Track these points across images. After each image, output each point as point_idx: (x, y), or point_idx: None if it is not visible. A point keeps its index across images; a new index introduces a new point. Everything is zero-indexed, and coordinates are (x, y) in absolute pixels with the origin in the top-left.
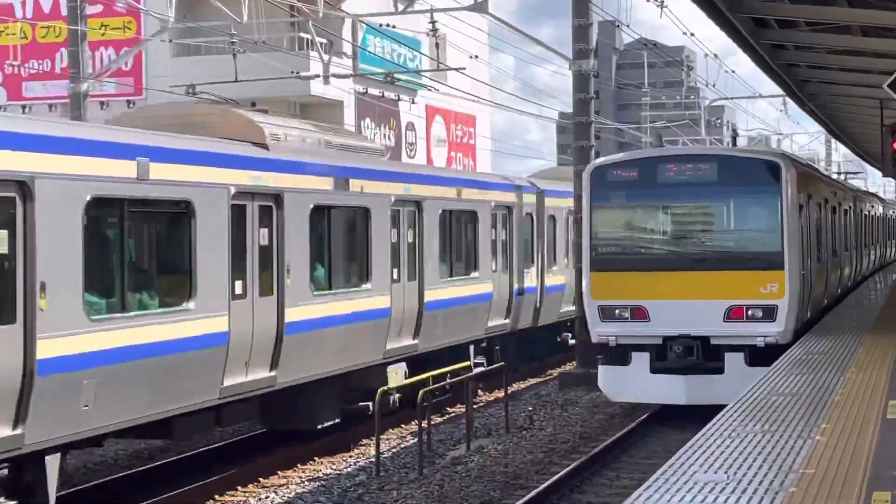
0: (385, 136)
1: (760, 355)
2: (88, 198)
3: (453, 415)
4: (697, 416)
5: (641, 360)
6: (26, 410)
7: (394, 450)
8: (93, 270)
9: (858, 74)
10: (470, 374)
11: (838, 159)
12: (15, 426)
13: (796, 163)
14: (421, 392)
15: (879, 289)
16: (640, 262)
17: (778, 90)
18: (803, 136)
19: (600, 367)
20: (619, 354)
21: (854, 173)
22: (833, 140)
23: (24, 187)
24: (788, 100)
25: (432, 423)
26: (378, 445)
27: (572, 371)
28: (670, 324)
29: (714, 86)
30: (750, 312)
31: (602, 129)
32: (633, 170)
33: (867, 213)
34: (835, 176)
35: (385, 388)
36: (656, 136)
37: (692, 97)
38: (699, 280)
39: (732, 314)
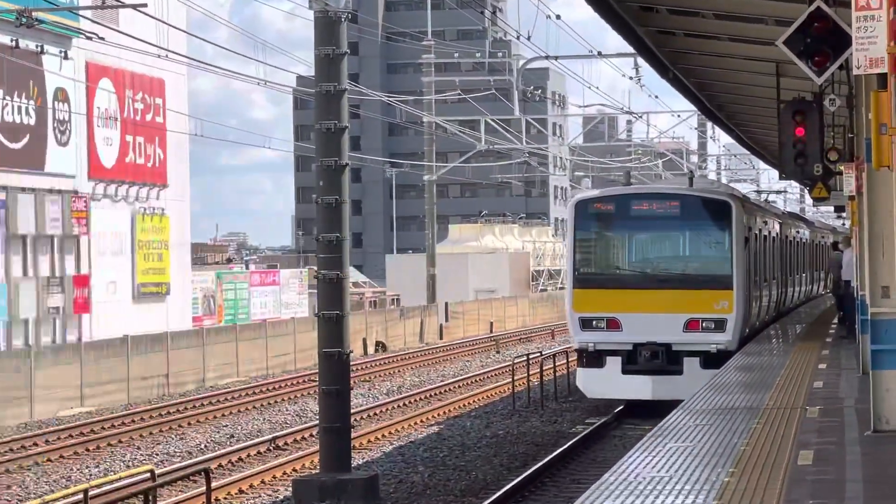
0: (21, 109)
1: (712, 360)
2: None
3: None
4: None
5: (615, 363)
6: None
7: None
8: None
9: (743, 25)
10: (153, 483)
11: (718, 151)
12: None
13: (741, 200)
14: None
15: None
16: (614, 281)
17: (627, 47)
18: (665, 118)
19: (579, 370)
20: (595, 358)
21: (778, 192)
22: (710, 124)
23: None
24: (643, 62)
25: None
26: None
27: (314, 476)
28: (639, 333)
29: (530, 38)
30: (704, 324)
31: (364, 102)
32: (609, 204)
33: (791, 239)
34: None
35: None
36: (626, 173)
37: (500, 54)
38: (663, 297)
39: (690, 325)
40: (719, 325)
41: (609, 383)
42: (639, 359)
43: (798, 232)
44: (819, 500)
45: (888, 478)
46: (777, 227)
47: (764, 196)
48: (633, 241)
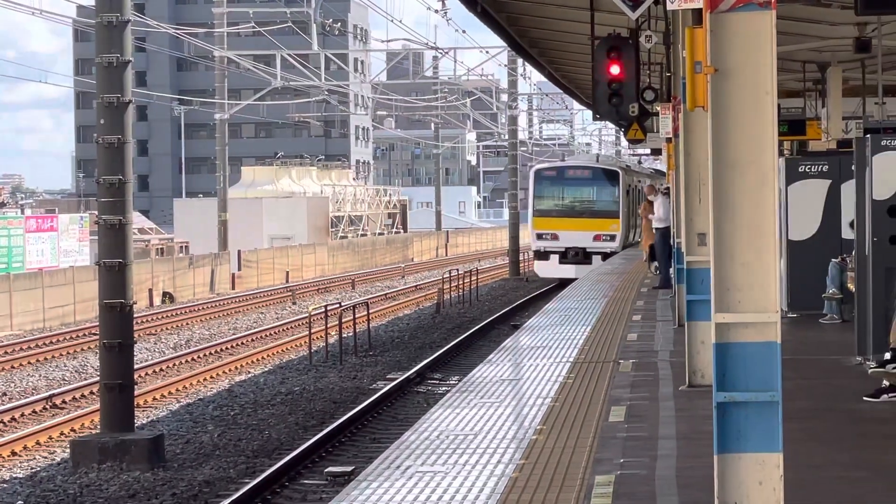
0: None
1: (607, 256)
2: None
3: None
4: None
5: (555, 258)
6: None
7: None
8: None
9: None
10: None
11: (529, 89)
12: None
13: (626, 169)
14: None
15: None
16: (556, 213)
17: None
18: (474, 54)
19: (536, 262)
20: (544, 255)
21: (647, 155)
22: (521, 61)
23: None
24: None
25: None
26: None
27: (94, 437)
28: (569, 241)
29: None
30: (603, 237)
31: (150, 34)
32: (553, 171)
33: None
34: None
35: None
36: (562, 155)
37: None
38: (582, 222)
39: (596, 238)
40: (612, 238)
41: (552, 269)
42: (568, 255)
43: (662, 185)
44: (630, 459)
45: (701, 434)
46: (646, 182)
47: (637, 159)
48: (566, 191)
